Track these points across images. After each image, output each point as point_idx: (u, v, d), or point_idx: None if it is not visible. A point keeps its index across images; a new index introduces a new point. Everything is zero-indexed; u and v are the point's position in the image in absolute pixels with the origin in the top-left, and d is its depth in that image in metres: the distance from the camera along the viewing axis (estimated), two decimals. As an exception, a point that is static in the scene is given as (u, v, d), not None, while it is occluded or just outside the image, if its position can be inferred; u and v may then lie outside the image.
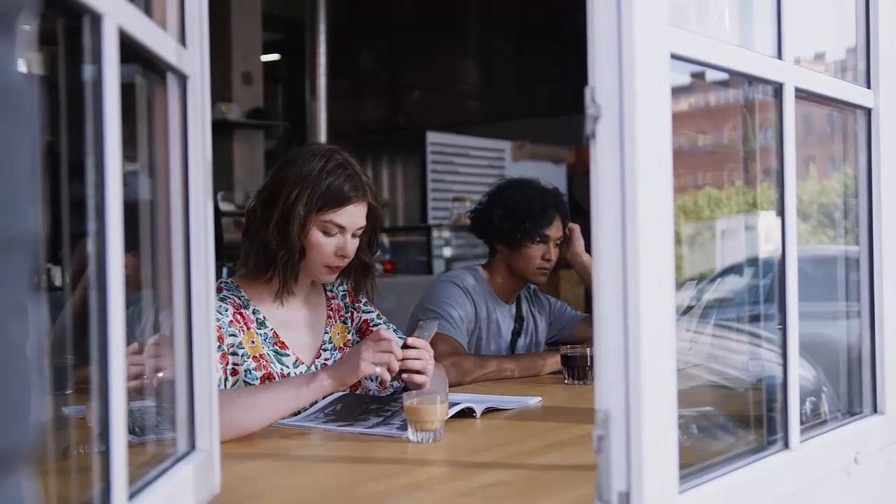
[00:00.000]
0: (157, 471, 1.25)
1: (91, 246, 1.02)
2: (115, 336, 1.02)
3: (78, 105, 1.03)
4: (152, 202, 1.38)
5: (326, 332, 2.34)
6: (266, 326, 2.22)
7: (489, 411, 2.18)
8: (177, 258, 1.37)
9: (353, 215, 2.22)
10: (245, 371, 2.14)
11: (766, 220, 1.91)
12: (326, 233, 2.20)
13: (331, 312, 2.38)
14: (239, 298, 2.22)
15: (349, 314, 2.43)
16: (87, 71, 1.03)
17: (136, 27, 1.11)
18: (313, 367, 2.26)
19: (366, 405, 2.13)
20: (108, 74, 1.02)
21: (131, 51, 1.13)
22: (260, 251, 2.21)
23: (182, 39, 1.36)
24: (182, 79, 1.36)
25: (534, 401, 2.36)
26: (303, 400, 2.05)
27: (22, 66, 0.57)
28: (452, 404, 2.04)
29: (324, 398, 2.15)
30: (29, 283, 0.57)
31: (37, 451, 0.59)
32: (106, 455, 1.01)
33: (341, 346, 2.36)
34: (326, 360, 2.30)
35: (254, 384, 2.14)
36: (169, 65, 1.29)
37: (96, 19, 1.00)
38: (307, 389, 2.02)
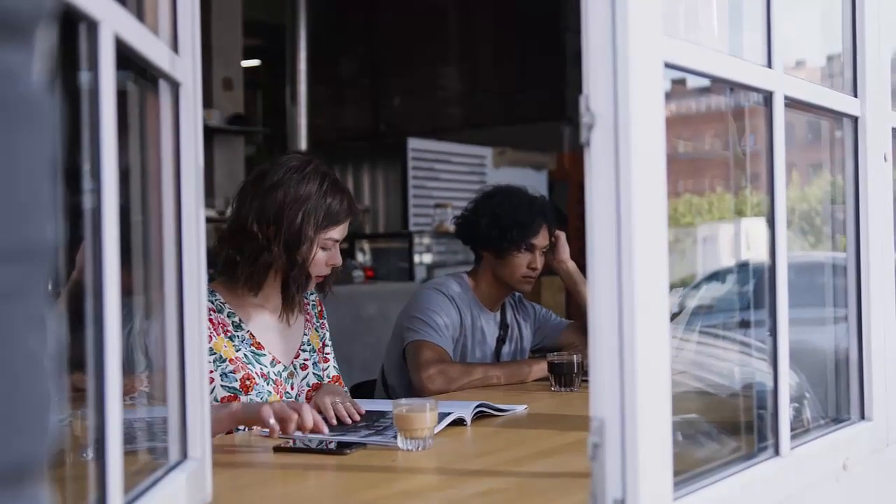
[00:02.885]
0: (150, 480, 1.24)
1: (87, 253, 1.01)
2: (110, 345, 1.01)
3: (73, 111, 1.03)
4: (143, 209, 1.37)
5: (305, 334, 2.43)
6: (242, 329, 2.29)
7: (479, 417, 2.18)
8: (169, 266, 1.36)
9: (346, 228, 2.35)
10: (221, 375, 2.21)
11: (748, 227, 1.92)
12: (324, 248, 2.30)
13: (308, 317, 2.47)
14: (213, 303, 2.27)
15: (319, 324, 2.52)
16: (83, 77, 1.02)
17: (131, 34, 1.11)
18: (291, 367, 2.35)
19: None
20: (105, 81, 1.01)
21: (124, 57, 1.12)
22: (263, 271, 2.26)
23: (175, 46, 1.35)
24: (174, 86, 1.35)
25: (520, 409, 2.36)
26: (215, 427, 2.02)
27: (39, 75, 0.57)
28: (442, 414, 2.04)
29: None
30: (45, 293, 0.56)
31: (52, 460, 0.59)
32: (101, 464, 1.01)
33: (318, 349, 2.46)
34: (305, 360, 2.40)
35: (233, 386, 2.21)
36: (162, 72, 1.28)
37: (93, 26, 1.00)
38: (215, 420, 1.98)
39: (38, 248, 0.55)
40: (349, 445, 1.87)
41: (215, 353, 2.21)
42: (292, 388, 2.35)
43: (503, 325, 3.16)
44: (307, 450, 1.88)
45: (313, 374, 2.41)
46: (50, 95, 0.58)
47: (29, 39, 0.55)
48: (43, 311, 0.56)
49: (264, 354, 2.30)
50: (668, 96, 1.48)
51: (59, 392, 0.60)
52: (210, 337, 2.20)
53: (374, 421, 2.13)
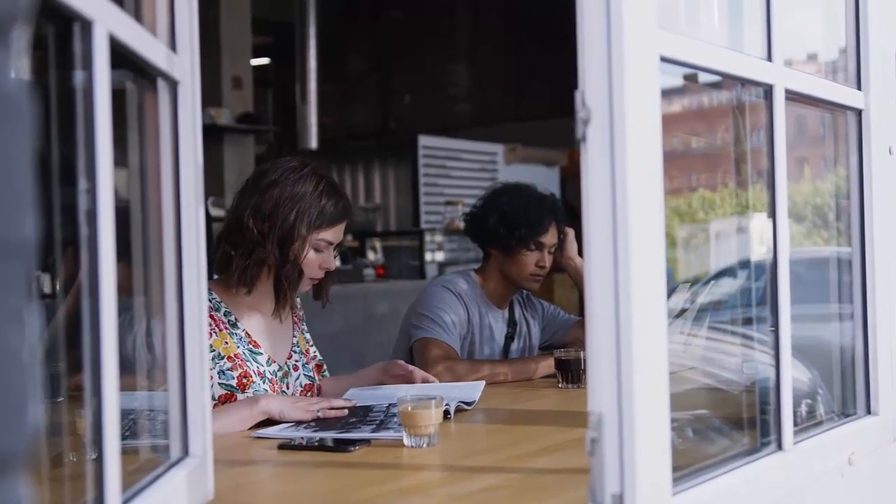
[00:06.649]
0: (150, 477, 1.24)
1: (83, 253, 1.01)
2: (107, 343, 1.01)
3: (68, 111, 1.03)
4: (143, 209, 1.38)
5: (294, 336, 2.49)
6: (239, 328, 2.33)
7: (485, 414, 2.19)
8: (169, 264, 1.36)
9: (340, 232, 2.38)
10: (219, 373, 2.24)
11: (760, 222, 1.91)
12: (317, 250, 2.34)
13: (296, 319, 2.53)
14: (210, 302, 2.29)
15: (304, 326, 2.57)
16: (78, 77, 1.02)
17: (126, 33, 1.11)
18: (285, 367, 2.40)
19: (345, 417, 2.13)
20: (99, 81, 1.02)
21: (121, 56, 1.12)
22: (256, 266, 2.30)
23: (172, 45, 1.36)
24: (173, 84, 1.35)
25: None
26: (247, 424, 2.09)
27: (16, 73, 0.57)
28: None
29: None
30: (26, 289, 0.57)
31: (33, 456, 0.59)
32: (99, 462, 1.01)
33: (304, 351, 2.50)
34: (296, 361, 2.45)
35: (230, 384, 2.24)
36: (160, 70, 1.29)
37: (87, 25, 1.00)
38: (248, 413, 2.09)
39: (18, 245, 0.56)
40: (353, 442, 1.87)
41: (214, 351, 2.24)
42: (287, 388, 2.39)
43: (512, 323, 3.16)
44: (311, 447, 1.88)
45: (304, 375, 2.46)
46: (28, 93, 0.58)
47: (5, 37, 0.56)
48: (23, 306, 0.56)
49: (261, 353, 2.34)
50: (681, 91, 1.47)
51: (39, 386, 0.60)
52: (210, 334, 2.22)
53: (364, 416, 2.13)
